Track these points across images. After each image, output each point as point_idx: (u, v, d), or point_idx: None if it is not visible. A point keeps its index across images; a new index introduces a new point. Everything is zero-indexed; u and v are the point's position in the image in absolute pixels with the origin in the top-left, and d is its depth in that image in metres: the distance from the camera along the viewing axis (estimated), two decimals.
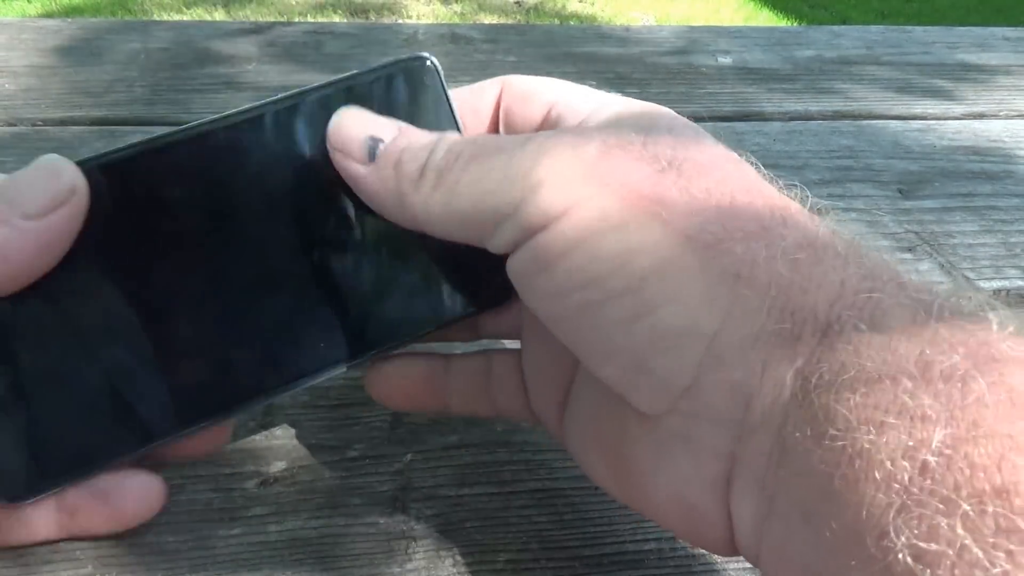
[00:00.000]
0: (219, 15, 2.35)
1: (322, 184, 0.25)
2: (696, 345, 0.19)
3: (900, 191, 0.47)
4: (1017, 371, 0.16)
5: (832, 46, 0.64)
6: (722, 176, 0.21)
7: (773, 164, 0.48)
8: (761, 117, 0.55)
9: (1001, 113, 0.57)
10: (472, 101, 0.27)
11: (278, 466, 0.29)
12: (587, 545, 0.27)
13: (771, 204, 0.21)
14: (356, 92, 0.25)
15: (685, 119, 0.24)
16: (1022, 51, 0.66)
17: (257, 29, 0.61)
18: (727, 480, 0.20)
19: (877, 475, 0.16)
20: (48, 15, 2.32)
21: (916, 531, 0.15)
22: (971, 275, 0.41)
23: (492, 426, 0.31)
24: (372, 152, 0.24)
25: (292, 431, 0.30)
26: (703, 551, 0.27)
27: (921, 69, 0.62)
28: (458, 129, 0.26)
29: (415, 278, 0.27)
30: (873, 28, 0.69)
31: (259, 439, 0.30)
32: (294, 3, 2.46)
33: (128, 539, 0.26)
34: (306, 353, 0.26)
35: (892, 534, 0.15)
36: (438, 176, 0.22)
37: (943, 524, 0.15)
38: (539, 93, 0.26)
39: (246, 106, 0.25)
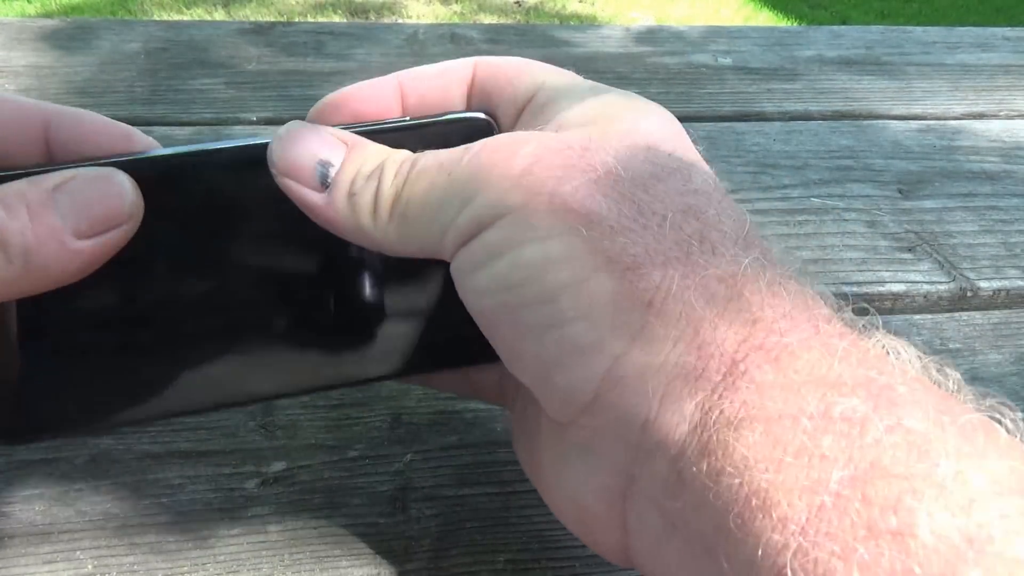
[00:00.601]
0: (219, 15, 2.35)
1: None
2: (599, 364, 0.19)
3: (900, 191, 0.47)
4: (916, 413, 0.16)
5: (832, 46, 0.64)
6: (664, 189, 0.21)
7: (773, 164, 0.49)
8: (761, 117, 0.55)
9: (1001, 113, 0.57)
10: (440, 82, 0.27)
11: (278, 466, 0.29)
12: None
13: (703, 229, 0.20)
14: (414, 136, 0.25)
15: (658, 118, 0.24)
16: (1022, 51, 0.66)
17: (257, 29, 0.61)
18: (623, 494, 0.20)
19: (774, 514, 0.16)
20: (48, 15, 2.32)
21: (812, 574, 0.15)
22: (971, 275, 0.41)
23: (492, 426, 0.31)
24: (324, 178, 0.23)
25: (292, 431, 0.30)
26: None
27: (921, 69, 0.62)
28: None
29: (407, 319, 0.26)
30: (873, 28, 0.69)
31: (259, 439, 0.30)
32: (294, 3, 2.46)
33: (128, 539, 0.26)
34: (287, 371, 0.25)
35: (790, 575, 0.15)
36: (391, 207, 0.22)
37: (839, 567, 0.15)
38: (524, 74, 0.26)
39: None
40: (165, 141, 0.49)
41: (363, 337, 0.26)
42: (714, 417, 0.18)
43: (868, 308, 0.20)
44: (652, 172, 0.21)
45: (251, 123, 0.50)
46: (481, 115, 0.26)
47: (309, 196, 0.23)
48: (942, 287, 0.40)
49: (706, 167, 0.23)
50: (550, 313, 0.20)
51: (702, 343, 0.18)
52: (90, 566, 0.25)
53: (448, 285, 0.24)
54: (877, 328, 0.19)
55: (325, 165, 0.23)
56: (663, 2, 2.73)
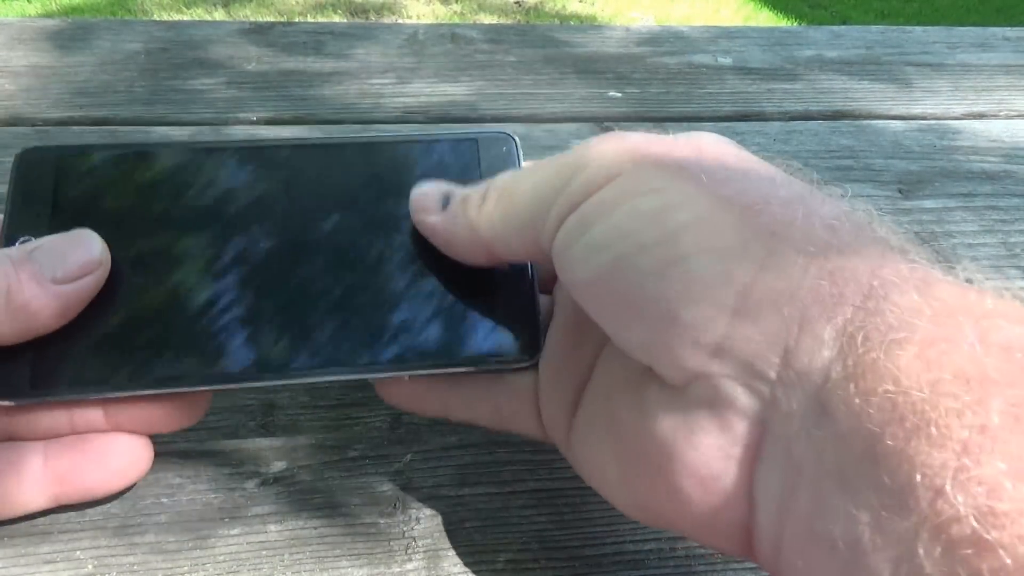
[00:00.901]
0: (219, 15, 2.35)
1: (387, 216, 0.28)
2: (729, 294, 0.18)
3: (900, 191, 0.47)
4: None
5: (832, 46, 0.64)
6: (763, 167, 0.22)
7: None
8: (761, 117, 0.55)
9: (1001, 113, 0.57)
10: None
11: (278, 466, 0.29)
12: (587, 545, 0.27)
13: (810, 188, 0.21)
14: (441, 149, 0.30)
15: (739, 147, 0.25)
16: (1022, 51, 0.66)
17: (257, 29, 0.61)
18: (755, 453, 0.19)
19: (933, 432, 0.15)
20: (48, 15, 2.32)
21: (977, 490, 0.14)
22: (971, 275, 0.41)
23: None
24: (445, 203, 0.26)
25: (292, 431, 0.30)
26: (703, 551, 0.27)
27: (921, 69, 0.62)
28: None
29: (448, 314, 0.27)
30: (873, 28, 0.69)
31: (259, 439, 0.30)
32: (294, 3, 2.46)
33: (128, 539, 0.26)
34: (324, 350, 0.26)
35: (950, 493, 0.14)
36: (499, 193, 0.24)
37: (1006, 487, 0.14)
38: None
39: (365, 135, 0.33)
40: (166, 140, 0.49)
41: (398, 328, 0.26)
42: (860, 339, 0.17)
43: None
44: (750, 160, 0.22)
45: (251, 123, 0.50)
46: (508, 132, 0.30)
47: (430, 219, 0.26)
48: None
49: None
50: (672, 252, 0.19)
51: (834, 268, 0.18)
52: (90, 566, 0.25)
53: (492, 284, 0.27)
54: (1001, 286, 0.18)
55: (447, 195, 0.27)
56: (663, 2, 2.73)
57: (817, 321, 0.17)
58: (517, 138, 0.30)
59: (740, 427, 0.19)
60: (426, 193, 0.27)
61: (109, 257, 0.26)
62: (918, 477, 0.15)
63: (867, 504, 0.16)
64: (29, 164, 0.28)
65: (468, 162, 0.29)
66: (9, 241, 0.26)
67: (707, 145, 0.23)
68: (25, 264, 0.24)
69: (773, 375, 0.18)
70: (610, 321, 0.21)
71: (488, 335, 0.27)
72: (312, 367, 0.26)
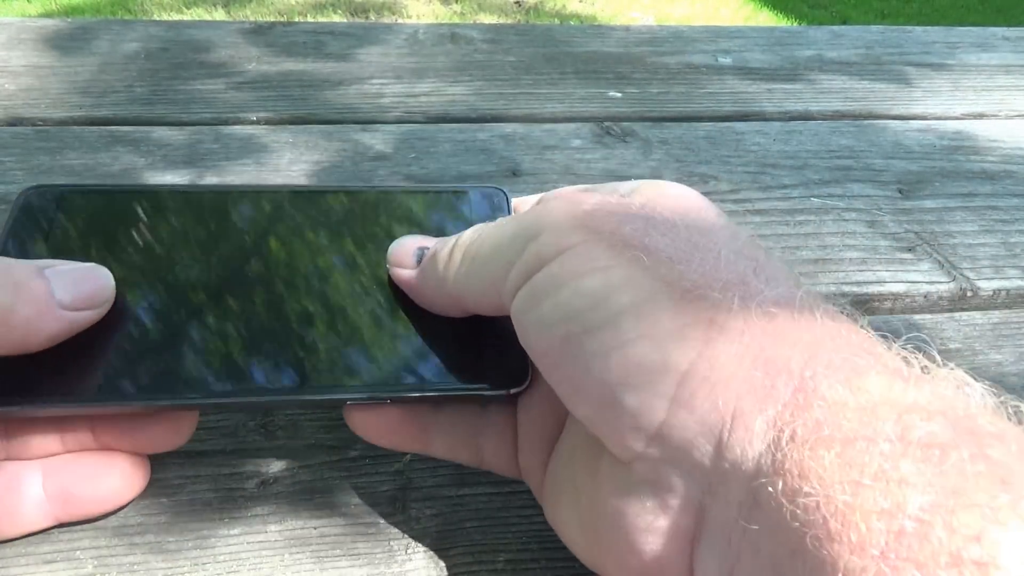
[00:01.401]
0: (219, 15, 2.35)
1: (373, 259, 0.29)
2: (668, 381, 0.19)
3: (900, 191, 0.47)
4: (996, 445, 0.16)
5: (832, 46, 0.64)
6: (714, 237, 0.22)
7: (773, 164, 0.49)
8: (761, 117, 0.55)
9: (1001, 113, 0.57)
10: None
11: (278, 466, 0.29)
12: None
13: (756, 263, 0.21)
14: (435, 199, 0.31)
15: (700, 197, 0.25)
16: (1022, 51, 0.66)
17: (257, 29, 0.61)
18: (693, 535, 0.19)
19: (852, 537, 0.15)
20: (48, 15, 2.32)
21: None
22: (971, 275, 0.41)
23: None
24: (419, 259, 0.27)
25: (292, 431, 0.30)
26: None
27: (921, 69, 0.62)
28: None
29: (433, 341, 0.27)
30: (873, 28, 0.69)
31: (259, 439, 0.30)
32: (294, 3, 2.46)
33: (128, 539, 0.26)
34: (313, 373, 0.26)
35: None
36: (464, 251, 0.25)
37: None
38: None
39: (357, 184, 0.36)
40: (166, 140, 0.49)
41: (379, 353, 0.27)
42: (787, 435, 0.17)
43: (927, 344, 0.19)
44: (704, 225, 0.23)
45: (251, 123, 0.50)
46: (501, 188, 0.32)
47: (405, 273, 0.28)
48: (942, 287, 0.40)
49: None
50: (614, 336, 0.20)
51: (768, 359, 0.18)
52: (90, 566, 0.25)
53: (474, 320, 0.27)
54: (939, 363, 0.19)
55: (422, 249, 0.28)
56: (663, 2, 2.73)
57: (749, 413, 0.18)
58: (507, 191, 0.32)
59: (679, 510, 0.20)
60: (401, 246, 0.28)
61: (114, 294, 0.26)
62: None
63: None
64: (29, 199, 0.29)
65: (459, 214, 0.31)
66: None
67: (662, 208, 0.23)
68: (38, 281, 0.24)
69: (708, 464, 0.19)
70: (562, 392, 0.22)
71: (474, 362, 0.27)
72: (293, 388, 0.26)
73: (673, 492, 0.20)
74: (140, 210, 0.30)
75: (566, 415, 0.26)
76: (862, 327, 0.20)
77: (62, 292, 0.25)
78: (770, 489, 0.17)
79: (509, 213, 0.31)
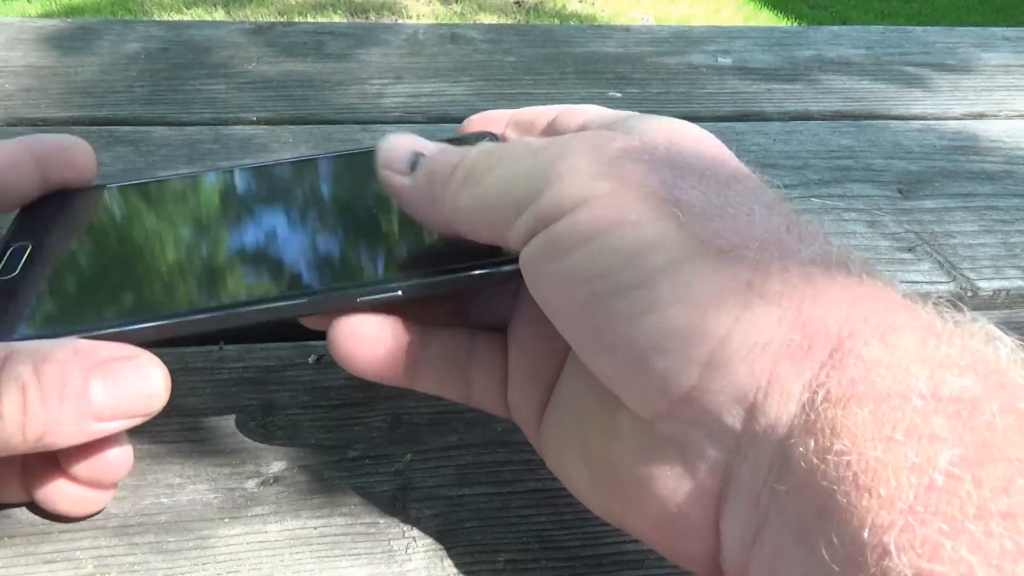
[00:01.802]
0: (219, 15, 2.35)
1: (369, 200, 0.30)
2: (702, 347, 0.18)
3: (900, 191, 0.47)
4: None
5: (832, 46, 0.64)
6: (743, 189, 0.21)
7: (773, 164, 0.49)
8: (761, 117, 0.55)
9: (1001, 113, 0.57)
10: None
11: (278, 466, 0.29)
12: (587, 545, 0.27)
13: (789, 220, 0.21)
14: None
15: (717, 142, 0.25)
16: (1022, 51, 0.66)
17: (257, 29, 0.61)
18: (719, 494, 0.19)
19: (882, 492, 0.15)
20: (48, 15, 2.32)
21: (919, 551, 0.15)
22: (971, 275, 0.41)
23: (492, 426, 0.31)
24: (413, 165, 0.25)
25: (292, 431, 0.30)
26: None
27: (921, 69, 0.62)
28: None
29: (420, 241, 0.28)
30: (873, 28, 0.69)
31: (259, 439, 0.30)
32: (294, 3, 2.46)
33: (128, 539, 0.26)
34: (324, 277, 0.27)
35: (894, 553, 0.15)
36: (467, 174, 0.23)
37: (947, 545, 0.14)
38: (577, 113, 0.27)
39: (348, 148, 0.35)
40: (166, 140, 0.49)
41: (376, 252, 0.28)
42: (822, 395, 0.17)
43: (959, 302, 0.19)
44: (730, 174, 0.22)
45: (251, 123, 0.50)
46: (494, 132, 0.31)
47: (397, 179, 0.25)
48: (942, 287, 0.40)
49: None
50: (647, 298, 0.19)
51: (806, 320, 0.18)
52: (90, 566, 0.25)
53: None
54: (969, 317, 0.19)
55: (417, 155, 0.25)
56: (663, 2, 2.73)
57: (787, 376, 0.18)
58: (500, 136, 0.31)
59: (705, 472, 0.19)
60: (394, 148, 0.25)
61: (166, 402, 0.24)
62: (866, 535, 0.15)
63: (821, 559, 0.16)
64: (37, 201, 0.30)
65: None
66: (6, 245, 0.28)
67: (689, 154, 0.22)
68: (78, 399, 0.22)
69: (739, 428, 0.18)
70: (580, 348, 0.21)
71: (468, 251, 0.26)
72: (310, 291, 0.26)
73: (699, 453, 0.19)
74: (135, 204, 0.30)
75: (564, 353, 0.24)
76: (894, 284, 0.20)
77: (102, 403, 0.22)
78: (801, 449, 0.17)
79: None
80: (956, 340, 0.17)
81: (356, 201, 0.30)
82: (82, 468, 0.24)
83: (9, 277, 0.27)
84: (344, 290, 0.26)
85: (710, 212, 0.20)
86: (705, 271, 0.19)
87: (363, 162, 0.31)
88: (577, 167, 0.21)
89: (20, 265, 0.27)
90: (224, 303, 0.26)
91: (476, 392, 0.27)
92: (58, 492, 0.25)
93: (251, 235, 0.29)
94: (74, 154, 0.30)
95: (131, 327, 0.25)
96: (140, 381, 0.23)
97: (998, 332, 0.18)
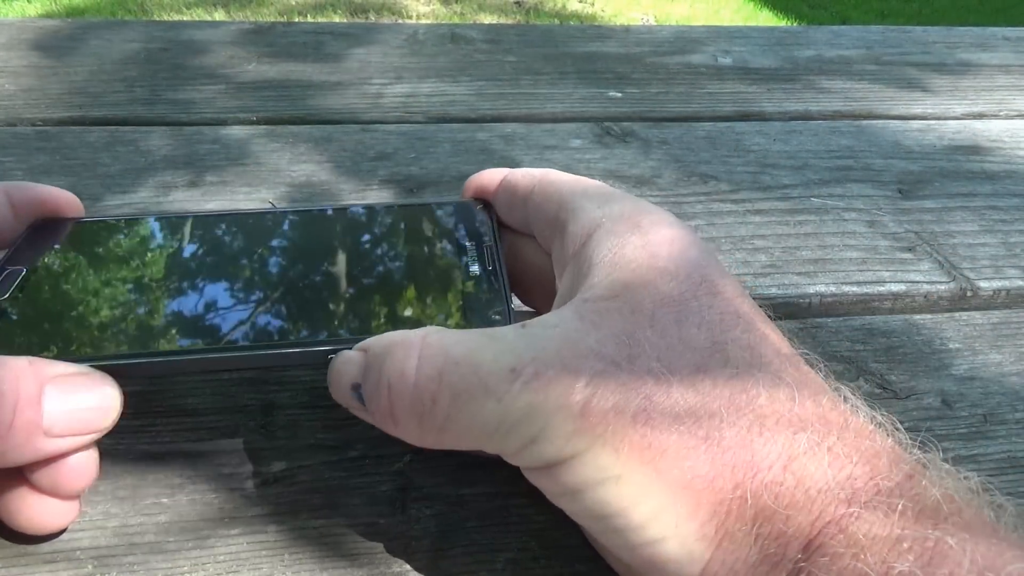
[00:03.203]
0: (219, 15, 2.35)
1: (364, 258, 0.30)
2: (693, 569, 0.21)
3: (900, 191, 0.47)
4: (964, 565, 0.18)
5: (832, 46, 0.64)
6: (711, 390, 0.22)
7: (773, 164, 0.49)
8: (761, 117, 0.55)
9: (1001, 113, 0.57)
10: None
11: (278, 466, 0.29)
12: (587, 544, 0.27)
13: (756, 419, 0.22)
14: (422, 214, 0.32)
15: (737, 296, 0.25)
16: (1022, 51, 0.66)
17: (257, 29, 0.61)
18: None
19: None
20: (48, 15, 2.32)
21: None
22: (971, 275, 0.41)
23: None
24: (360, 397, 0.24)
25: (292, 431, 0.30)
26: None
27: (921, 69, 0.62)
28: (498, 247, 0.30)
29: (414, 298, 0.28)
30: (873, 28, 0.69)
31: (259, 439, 0.30)
32: (294, 3, 2.46)
33: (128, 539, 0.26)
34: (282, 327, 0.27)
35: None
36: (423, 418, 0.23)
37: None
38: (551, 197, 0.29)
39: (338, 204, 0.37)
40: (166, 140, 0.49)
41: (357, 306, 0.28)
42: None
43: (931, 445, 0.22)
44: (696, 363, 0.23)
45: (251, 123, 0.50)
46: (486, 200, 0.32)
47: (364, 416, 0.25)
48: (942, 287, 0.40)
49: (732, 304, 0.24)
50: (640, 537, 0.22)
51: (779, 534, 0.21)
52: (90, 566, 0.25)
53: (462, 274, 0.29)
54: (937, 459, 0.22)
55: (356, 388, 0.24)
56: (663, 2, 2.73)
57: None
58: (492, 206, 0.32)
59: None
60: (336, 387, 0.25)
61: (115, 422, 0.24)
62: None
63: None
64: (39, 225, 0.30)
65: (443, 229, 0.31)
66: (1, 269, 0.28)
67: (678, 369, 0.23)
68: (29, 409, 0.22)
69: None
70: (592, 534, 0.25)
71: (453, 314, 0.27)
72: (269, 341, 0.26)
73: None
74: (134, 234, 0.31)
75: None
76: (866, 424, 0.22)
77: (54, 416, 0.22)
78: None
79: (494, 228, 0.31)
80: (909, 513, 0.20)
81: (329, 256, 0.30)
82: (42, 473, 0.24)
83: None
84: (317, 345, 0.26)
85: (684, 448, 0.21)
86: (687, 511, 0.21)
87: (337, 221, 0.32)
88: (551, 425, 0.22)
89: (11, 288, 0.28)
90: (186, 348, 0.26)
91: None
92: (18, 504, 0.24)
93: (228, 283, 0.29)
94: (59, 207, 0.31)
95: (110, 362, 0.25)
96: (92, 396, 0.23)
97: (955, 481, 0.21)
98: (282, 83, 0.54)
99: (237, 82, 0.54)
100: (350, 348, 0.25)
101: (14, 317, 0.27)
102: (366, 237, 0.31)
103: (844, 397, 0.23)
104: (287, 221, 0.32)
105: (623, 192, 0.29)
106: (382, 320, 0.27)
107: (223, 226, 0.31)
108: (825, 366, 0.24)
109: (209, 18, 2.31)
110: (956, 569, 0.19)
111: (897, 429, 0.23)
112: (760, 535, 0.21)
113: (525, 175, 0.31)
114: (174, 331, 0.26)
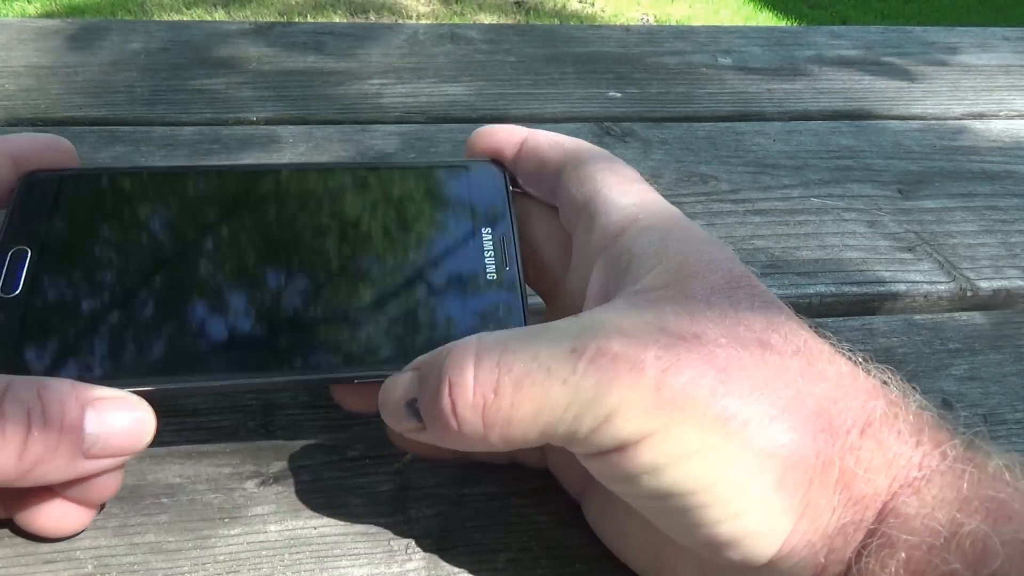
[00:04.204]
0: (219, 15, 2.35)
1: (367, 232, 0.29)
2: (771, 542, 0.21)
3: (900, 191, 0.47)
4: None
5: (832, 46, 0.64)
6: (781, 363, 0.22)
7: (773, 164, 0.49)
8: (761, 117, 0.55)
9: (1001, 113, 0.57)
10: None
11: (278, 466, 0.29)
12: (587, 544, 0.27)
13: (829, 392, 0.22)
14: (433, 175, 0.30)
15: (726, 259, 0.25)
16: (1022, 51, 0.66)
17: (257, 29, 0.61)
18: None
19: None
20: (48, 15, 2.31)
21: None
22: (971, 275, 0.41)
23: None
24: (416, 412, 0.23)
25: (292, 431, 0.30)
26: None
27: (921, 69, 0.62)
28: (513, 228, 0.29)
29: (430, 316, 0.27)
30: (873, 28, 0.69)
31: (259, 439, 0.30)
32: (294, 3, 2.46)
33: (128, 539, 0.26)
34: (308, 352, 0.26)
35: None
36: (488, 413, 0.22)
37: None
38: (585, 179, 0.28)
39: (349, 162, 0.35)
40: (166, 140, 0.49)
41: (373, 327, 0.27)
42: (866, 554, 0.21)
43: (982, 426, 0.23)
44: (760, 340, 0.22)
45: (251, 123, 0.50)
46: (498, 161, 0.30)
47: (413, 432, 0.24)
48: (942, 287, 0.40)
49: (773, 297, 0.25)
50: (722, 512, 0.21)
51: (858, 499, 0.21)
52: (90, 566, 0.25)
53: (478, 288, 0.28)
54: (987, 443, 0.22)
55: (412, 404, 0.23)
56: (663, 2, 2.73)
57: (840, 548, 0.21)
58: (506, 169, 0.30)
59: None
60: (388, 406, 0.24)
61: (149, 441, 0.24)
62: None
63: None
64: (29, 184, 0.28)
65: (456, 192, 0.30)
66: (3, 250, 0.26)
67: (746, 349, 0.22)
68: (72, 433, 0.22)
69: None
70: (656, 521, 0.23)
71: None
72: (292, 368, 0.26)
73: None
74: (137, 189, 0.29)
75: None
76: (928, 413, 0.22)
77: (92, 439, 0.23)
78: None
79: (508, 193, 0.30)
80: (975, 478, 0.21)
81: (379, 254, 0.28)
82: (72, 487, 0.24)
83: (12, 296, 0.26)
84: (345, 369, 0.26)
85: (762, 417, 0.21)
86: (771, 482, 0.21)
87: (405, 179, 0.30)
88: (624, 404, 0.21)
89: (22, 280, 0.26)
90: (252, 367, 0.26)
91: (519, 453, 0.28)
92: (38, 510, 0.25)
93: (252, 294, 0.27)
94: (54, 155, 0.29)
95: (150, 387, 0.25)
96: (128, 419, 0.24)
97: (1008, 458, 0.21)
98: (282, 83, 0.54)
99: (237, 82, 0.54)
100: (382, 372, 0.25)
101: (32, 319, 0.25)
102: (380, 225, 0.29)
103: (886, 380, 0.23)
104: (297, 193, 0.29)
105: (646, 184, 0.29)
106: (416, 342, 0.26)
107: (237, 194, 0.29)
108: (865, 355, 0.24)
109: (209, 18, 2.31)
110: (1021, 527, 0.19)
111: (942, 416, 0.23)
112: (840, 502, 0.21)
113: (553, 146, 0.29)
114: (206, 350, 0.26)
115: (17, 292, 0.26)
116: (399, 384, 0.24)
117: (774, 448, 0.21)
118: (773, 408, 0.21)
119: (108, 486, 0.25)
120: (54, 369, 0.25)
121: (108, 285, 0.26)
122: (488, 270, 0.28)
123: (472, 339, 0.23)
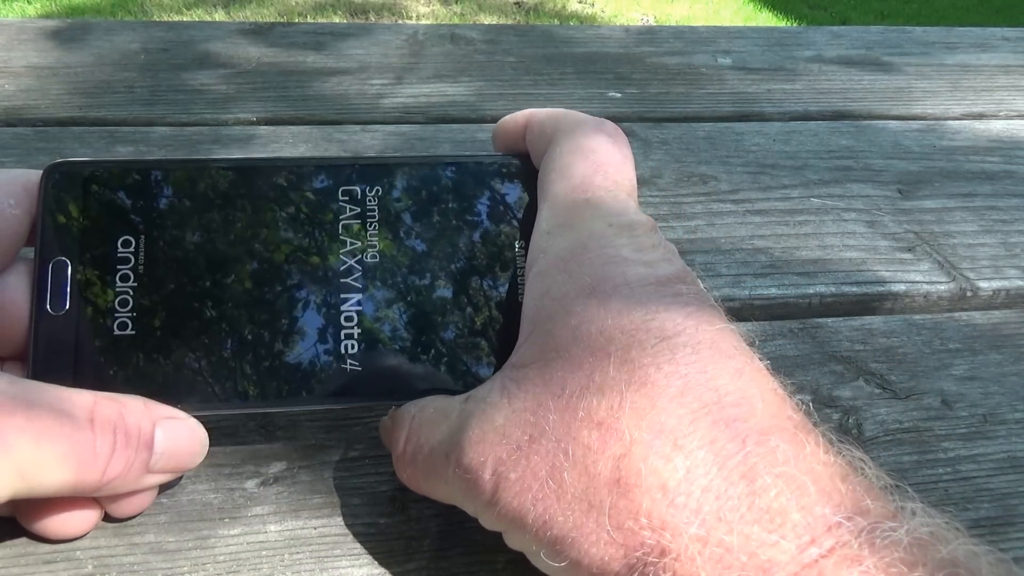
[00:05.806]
0: (219, 15, 2.35)
1: (395, 230, 0.28)
2: None
3: (900, 191, 0.47)
4: None
5: (832, 46, 0.64)
6: (595, 471, 0.22)
7: (773, 164, 0.49)
8: (761, 117, 0.55)
9: (1001, 113, 0.57)
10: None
11: (278, 466, 0.29)
12: None
13: (711, 455, 0.21)
14: (461, 170, 0.29)
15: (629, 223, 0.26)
16: (1022, 51, 0.66)
17: (257, 29, 0.61)
18: None
19: None
20: (48, 15, 2.32)
21: None
22: (971, 275, 0.41)
23: None
24: None
25: (292, 431, 0.30)
26: None
27: (921, 69, 0.62)
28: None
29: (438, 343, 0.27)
30: (873, 28, 0.69)
31: (259, 439, 0.30)
32: (294, 3, 2.46)
33: (128, 539, 0.26)
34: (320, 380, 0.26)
35: None
36: (418, 488, 0.26)
37: None
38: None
39: (381, 156, 0.33)
40: (166, 141, 0.49)
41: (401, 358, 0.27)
42: None
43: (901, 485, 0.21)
44: (588, 444, 0.22)
45: (251, 123, 0.50)
46: (516, 158, 0.29)
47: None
48: (942, 287, 0.40)
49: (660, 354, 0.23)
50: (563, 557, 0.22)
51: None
52: (90, 566, 0.25)
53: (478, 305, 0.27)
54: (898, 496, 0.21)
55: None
56: (663, 2, 2.73)
57: None
58: (519, 161, 0.30)
59: None
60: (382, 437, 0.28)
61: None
62: None
63: None
64: (56, 181, 0.26)
65: (479, 185, 0.29)
66: (43, 263, 0.25)
67: (559, 447, 0.23)
68: (145, 450, 0.24)
69: None
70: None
71: (467, 359, 0.27)
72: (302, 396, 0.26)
73: None
74: (170, 186, 0.27)
75: None
76: (823, 469, 0.21)
77: (156, 456, 0.24)
78: None
79: (525, 183, 0.29)
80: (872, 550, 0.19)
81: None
82: (117, 500, 0.25)
83: (61, 313, 0.25)
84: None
85: (578, 534, 0.22)
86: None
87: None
88: (478, 511, 0.24)
89: (68, 295, 0.25)
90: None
91: None
92: (45, 511, 0.25)
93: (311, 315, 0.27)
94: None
95: (210, 412, 0.26)
96: (189, 440, 0.25)
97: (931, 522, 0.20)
98: (282, 84, 0.54)
99: (237, 82, 0.54)
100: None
101: (85, 335, 0.25)
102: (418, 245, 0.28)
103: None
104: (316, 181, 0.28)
105: (596, 198, 0.27)
106: (443, 371, 0.27)
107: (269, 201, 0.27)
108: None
109: (209, 18, 2.31)
110: None
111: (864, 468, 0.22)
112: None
113: (549, 117, 0.30)
114: (264, 377, 0.26)
115: (67, 308, 0.25)
116: (384, 425, 0.28)
117: (586, 563, 0.22)
118: (585, 520, 0.22)
119: (145, 500, 0.26)
120: (115, 386, 0.25)
121: (160, 295, 0.26)
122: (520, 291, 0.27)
123: (408, 415, 0.26)
